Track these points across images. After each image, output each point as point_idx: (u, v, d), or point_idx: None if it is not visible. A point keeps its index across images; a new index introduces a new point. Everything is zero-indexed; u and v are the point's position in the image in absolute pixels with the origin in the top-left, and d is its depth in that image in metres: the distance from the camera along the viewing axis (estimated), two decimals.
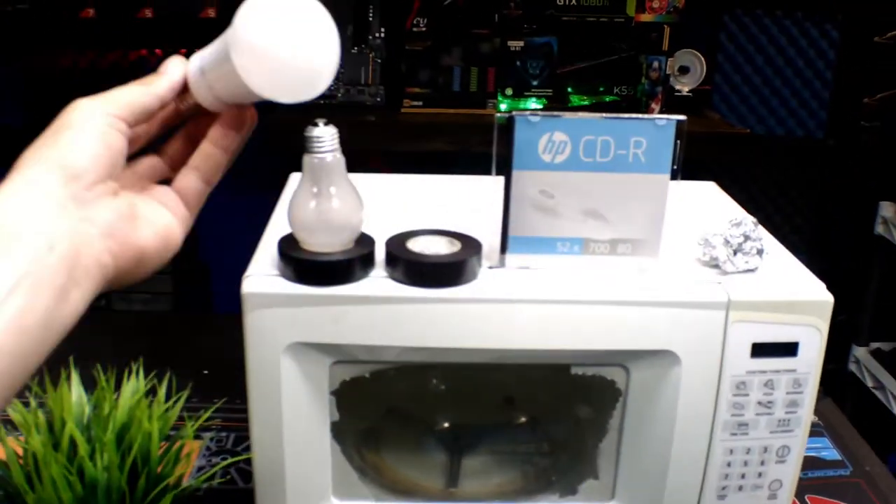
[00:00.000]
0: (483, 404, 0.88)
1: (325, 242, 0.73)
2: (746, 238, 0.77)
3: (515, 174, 0.73)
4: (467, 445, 0.89)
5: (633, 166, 0.74)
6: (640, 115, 0.73)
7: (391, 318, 0.73)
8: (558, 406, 0.85)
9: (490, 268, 0.76)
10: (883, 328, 2.31)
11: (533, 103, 2.33)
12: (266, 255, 0.77)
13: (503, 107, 2.30)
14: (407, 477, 0.88)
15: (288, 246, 0.74)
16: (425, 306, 0.73)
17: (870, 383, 2.23)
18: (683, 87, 2.35)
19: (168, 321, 1.77)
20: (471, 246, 0.76)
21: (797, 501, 0.97)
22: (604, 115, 0.73)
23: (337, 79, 2.18)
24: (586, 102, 2.34)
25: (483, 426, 0.90)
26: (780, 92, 2.53)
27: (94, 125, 0.56)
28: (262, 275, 0.74)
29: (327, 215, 0.72)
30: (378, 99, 2.32)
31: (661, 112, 2.36)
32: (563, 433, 0.86)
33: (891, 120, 2.37)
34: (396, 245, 0.75)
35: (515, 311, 0.73)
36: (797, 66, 2.49)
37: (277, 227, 0.81)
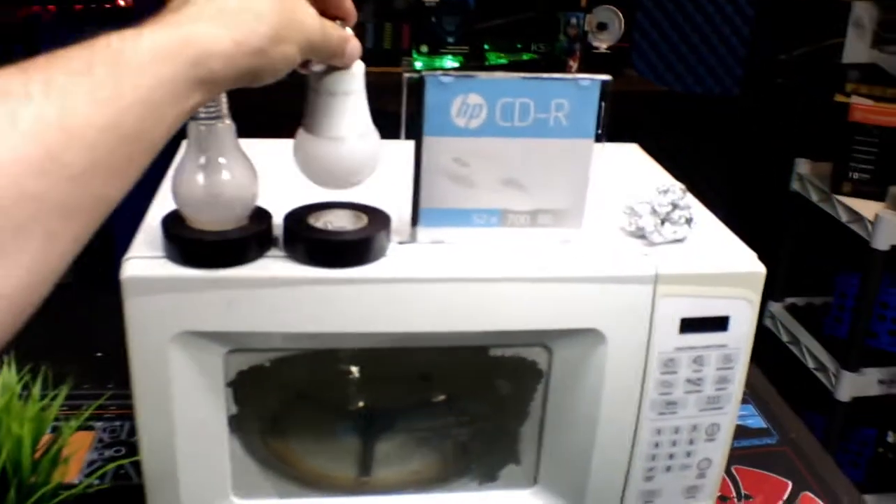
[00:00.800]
0: (397, 384, 0.82)
1: (214, 219, 0.65)
2: (674, 206, 0.73)
3: (427, 141, 0.67)
4: (381, 429, 0.83)
5: (554, 131, 0.68)
6: (561, 76, 0.67)
7: (291, 302, 0.66)
8: (476, 389, 0.79)
9: (400, 243, 0.69)
10: (798, 284, 2.33)
11: (449, 61, 2.25)
12: (149, 234, 0.69)
13: (418, 65, 2.22)
14: (317, 467, 0.82)
15: (173, 224, 0.66)
16: (329, 288, 0.66)
17: (785, 338, 2.25)
18: (602, 44, 2.31)
19: (62, 296, 1.66)
20: (378, 220, 0.69)
21: (724, 474, 0.94)
22: (522, 75, 0.66)
23: None
24: (503, 61, 2.28)
25: (398, 408, 0.84)
26: (698, 49, 2.51)
27: None
28: (144, 257, 0.66)
29: (217, 189, 0.64)
30: None
31: (578, 70, 2.31)
32: (483, 417, 0.81)
33: (806, 77, 2.37)
34: (296, 220, 0.68)
35: (427, 291, 0.67)
36: (715, 23, 2.47)
37: (163, 202, 0.73)
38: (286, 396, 0.80)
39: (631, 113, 2.15)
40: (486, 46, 2.31)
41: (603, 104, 0.68)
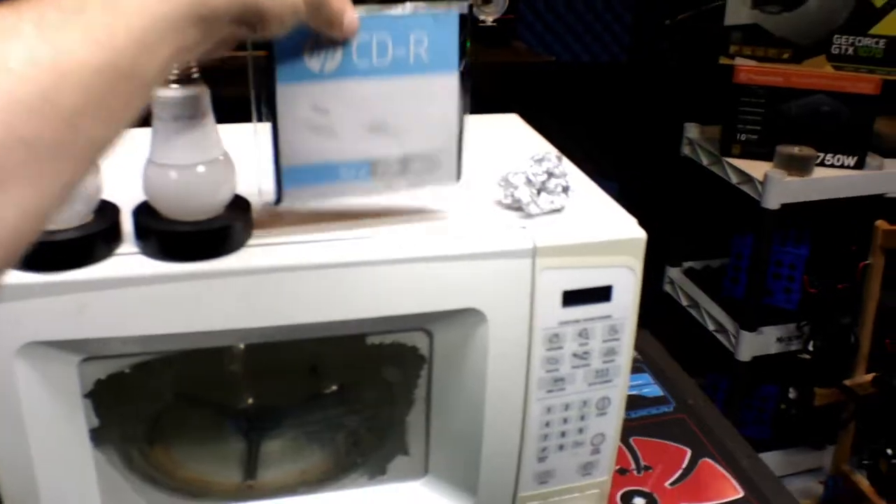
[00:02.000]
0: (281, 379, 0.78)
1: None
2: (550, 175, 0.70)
3: (280, 89, 0.61)
4: (266, 428, 0.79)
5: (415, 67, 0.63)
6: (417, 4, 0.62)
7: (147, 302, 0.61)
8: (361, 379, 0.76)
9: (267, 205, 0.64)
10: (694, 248, 2.35)
11: None
12: None
13: None
14: (197, 474, 0.77)
15: None
16: (187, 284, 0.61)
17: (684, 302, 2.27)
18: (487, 16, 2.28)
19: None
20: (238, 207, 0.64)
21: (622, 446, 0.93)
22: (374, 7, 0.61)
23: None
24: None
25: (283, 404, 0.80)
26: (583, 17, 2.50)
27: None
28: None
29: None
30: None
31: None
32: (369, 408, 0.77)
33: (691, 41, 2.39)
34: (146, 212, 0.63)
35: (293, 280, 0.63)
36: None
37: None
38: (157, 402, 0.74)
39: (519, 84, 2.14)
40: None
41: (464, 34, 0.64)
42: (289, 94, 0.61)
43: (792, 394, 2.04)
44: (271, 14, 0.51)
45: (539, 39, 2.52)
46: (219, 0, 0.46)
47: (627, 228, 0.70)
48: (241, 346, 0.72)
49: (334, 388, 0.77)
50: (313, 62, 0.60)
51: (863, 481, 1.92)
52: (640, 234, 0.69)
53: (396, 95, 0.64)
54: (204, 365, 0.73)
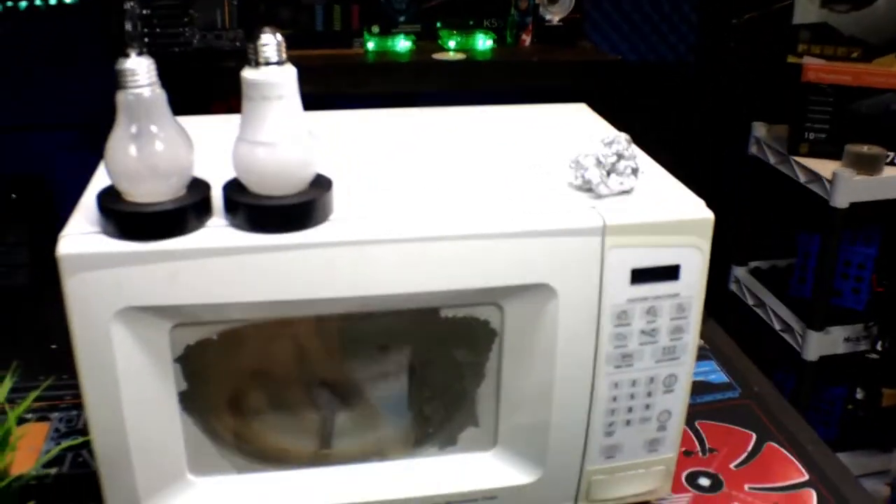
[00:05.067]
0: (354, 355, 0.80)
1: (151, 191, 0.64)
2: (620, 157, 0.72)
3: None
4: (340, 401, 0.82)
5: None
6: None
7: (235, 272, 0.65)
8: (432, 352, 0.78)
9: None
10: (761, 247, 2.34)
11: (402, 40, 2.23)
12: (87, 211, 0.67)
13: (370, 45, 2.20)
14: (275, 443, 0.80)
15: (109, 198, 0.64)
16: (272, 255, 0.65)
17: (751, 301, 2.26)
18: (554, 16, 2.30)
19: (20, 294, 1.64)
20: (320, 184, 0.67)
21: (688, 429, 0.94)
22: None
23: (191, 23, 2.04)
24: (456, 39, 2.26)
25: (356, 379, 0.83)
26: (650, 17, 2.50)
27: None
28: (80, 233, 0.64)
29: (151, 159, 0.63)
30: (238, 43, 2.18)
31: (531, 42, 2.31)
32: (440, 380, 0.80)
33: (758, 40, 2.37)
34: (235, 188, 0.66)
35: (373, 253, 0.66)
36: None
37: (101, 179, 0.71)
38: (240, 371, 0.78)
39: (587, 83, 2.15)
40: (438, 24, 2.29)
41: None
42: None
43: (859, 394, 2.01)
44: None
45: (606, 39, 2.52)
46: None
47: (695, 209, 0.71)
48: (316, 321, 0.75)
49: (409, 363, 0.80)
50: None
51: None
52: (708, 214, 0.71)
53: None
54: (280, 340, 0.77)
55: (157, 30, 2.02)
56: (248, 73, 0.63)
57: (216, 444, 0.74)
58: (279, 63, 0.63)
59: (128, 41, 2.01)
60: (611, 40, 2.52)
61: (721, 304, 2.30)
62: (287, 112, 0.63)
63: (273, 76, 0.63)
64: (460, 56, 2.21)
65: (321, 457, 0.79)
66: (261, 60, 0.63)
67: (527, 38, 2.30)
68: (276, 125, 0.63)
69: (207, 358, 0.70)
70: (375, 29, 2.22)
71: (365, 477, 0.78)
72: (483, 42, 2.28)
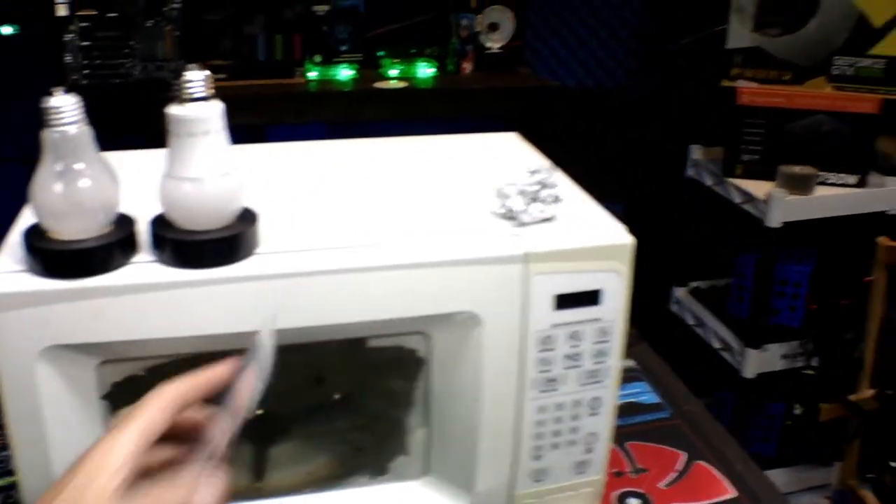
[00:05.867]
0: (284, 387, 0.81)
1: (76, 228, 0.64)
2: (543, 186, 0.74)
3: None
4: (273, 434, 0.82)
5: None
6: None
7: (161, 308, 0.65)
8: (361, 382, 0.79)
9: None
10: (699, 267, 2.39)
11: (344, 69, 2.25)
12: (13, 249, 0.67)
13: (312, 75, 2.22)
14: None
15: (35, 236, 0.64)
16: (199, 290, 0.65)
17: (690, 321, 2.30)
18: (494, 43, 2.34)
19: None
20: (246, 218, 0.68)
21: (618, 449, 0.96)
22: None
23: (132, 55, 2.03)
24: (398, 68, 2.28)
25: (287, 411, 0.84)
26: (588, 43, 2.55)
27: None
28: (6, 272, 0.64)
29: (75, 197, 0.63)
30: (178, 74, 2.18)
31: (472, 70, 2.34)
32: (370, 410, 0.81)
33: (694, 65, 2.43)
34: (162, 224, 0.67)
35: (299, 285, 0.67)
36: (603, 17, 2.52)
37: (28, 217, 0.71)
38: None
39: (526, 109, 2.19)
40: (380, 53, 2.31)
41: None
42: None
43: (797, 410, 2.06)
44: None
45: (545, 65, 2.57)
46: None
47: (615, 234, 0.74)
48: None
49: (339, 395, 0.81)
50: None
51: (869, 496, 1.93)
52: (627, 239, 0.73)
53: None
54: None
55: (98, 61, 2.02)
56: (173, 110, 0.63)
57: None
58: (205, 98, 0.64)
59: (68, 73, 2.00)
60: (550, 66, 2.57)
61: (662, 324, 2.34)
62: (213, 147, 0.64)
63: (199, 112, 0.63)
64: (402, 84, 2.24)
65: (254, 490, 0.80)
66: (186, 97, 0.64)
67: (468, 66, 2.34)
68: (201, 161, 0.64)
69: (136, 394, 0.70)
70: (318, 58, 2.23)
71: None
72: (424, 70, 2.31)
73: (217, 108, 0.64)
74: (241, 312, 0.66)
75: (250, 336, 0.68)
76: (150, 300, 0.65)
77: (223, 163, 0.65)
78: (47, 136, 0.62)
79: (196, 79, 0.63)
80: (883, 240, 1.88)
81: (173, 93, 0.64)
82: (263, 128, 2.08)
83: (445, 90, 2.27)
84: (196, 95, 0.64)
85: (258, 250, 0.68)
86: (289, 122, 2.09)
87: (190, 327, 0.66)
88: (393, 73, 2.28)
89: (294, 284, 0.67)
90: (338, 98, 2.18)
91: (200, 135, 0.63)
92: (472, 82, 2.30)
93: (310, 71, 2.21)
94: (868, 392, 1.92)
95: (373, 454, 0.79)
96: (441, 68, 2.34)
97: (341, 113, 2.15)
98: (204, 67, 0.65)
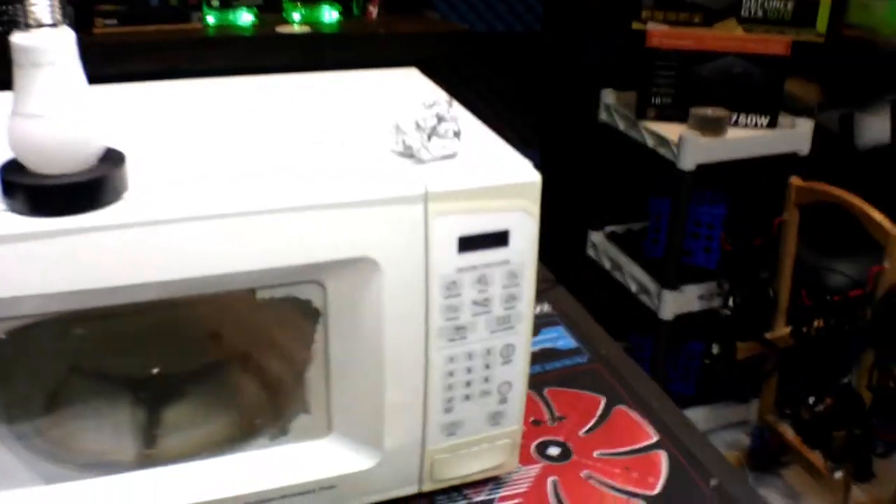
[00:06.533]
0: (170, 346, 0.75)
1: None
2: (441, 119, 0.68)
3: None
4: (166, 395, 0.76)
5: None
6: None
7: (17, 262, 0.58)
8: (253, 338, 0.73)
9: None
10: (615, 211, 2.37)
11: (244, 14, 2.14)
12: None
13: (210, 19, 2.10)
14: (94, 446, 0.74)
15: None
16: (58, 241, 0.58)
17: (607, 265, 2.29)
18: None
19: None
20: (110, 159, 0.61)
21: (536, 397, 0.92)
22: None
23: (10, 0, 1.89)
24: (301, 11, 2.19)
25: (179, 373, 0.77)
26: None
27: None
28: None
29: None
30: (66, 20, 2.05)
31: (379, 14, 2.26)
32: (264, 367, 0.75)
33: (605, 9, 2.39)
34: (14, 168, 0.59)
35: (175, 232, 0.60)
36: None
37: None
38: (46, 371, 0.71)
39: (433, 54, 2.12)
40: None
41: None
42: None
43: (715, 349, 2.07)
44: None
45: (454, 10, 2.50)
46: None
47: (522, 172, 0.69)
48: (139, 311, 0.69)
49: (232, 351, 0.75)
50: None
51: (787, 430, 1.96)
52: (535, 177, 0.68)
53: None
54: (97, 332, 0.70)
55: None
56: (16, 38, 0.56)
57: (23, 455, 0.67)
58: (52, 25, 0.56)
59: None
60: (459, 11, 2.50)
61: (579, 269, 2.33)
62: (61, 80, 0.57)
63: (43, 41, 0.56)
64: (305, 29, 2.14)
65: (145, 458, 0.73)
66: (31, 22, 0.56)
67: (374, 10, 2.25)
68: (48, 94, 0.56)
69: (1, 361, 0.63)
70: (215, 2, 2.12)
71: (193, 476, 0.73)
72: (329, 14, 2.22)
73: (66, 35, 0.57)
74: (109, 265, 0.59)
75: (122, 290, 0.62)
76: (4, 254, 0.57)
77: (74, 98, 0.58)
78: None
79: (40, 2, 0.56)
80: (795, 180, 1.89)
81: (16, 18, 0.56)
82: (158, 75, 1.96)
83: (350, 35, 2.19)
84: (42, 21, 0.56)
85: (126, 195, 0.61)
86: (184, 69, 1.98)
87: (50, 283, 0.59)
88: (296, 17, 2.18)
89: (169, 231, 0.60)
90: (237, 44, 2.08)
91: (46, 65, 0.56)
92: (378, 27, 2.22)
93: (207, 15, 2.10)
94: (784, 330, 1.93)
95: (272, 414, 0.74)
96: (346, 12, 2.25)
97: (241, 59, 2.05)
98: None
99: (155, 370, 0.75)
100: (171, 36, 2.02)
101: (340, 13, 2.24)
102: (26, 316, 0.62)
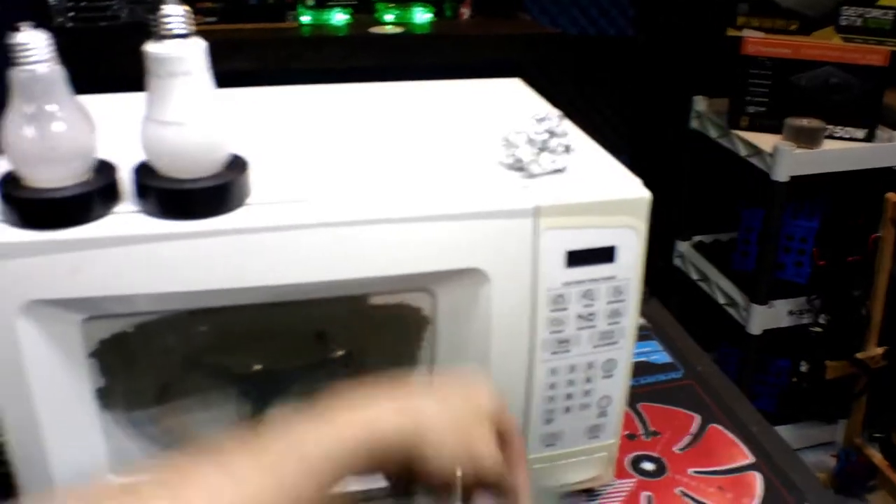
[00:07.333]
0: (283, 344, 0.77)
1: (52, 175, 0.59)
2: (552, 134, 0.69)
3: None
4: (271, 393, 0.78)
5: None
6: None
7: (145, 262, 0.60)
8: (363, 341, 0.75)
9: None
10: (703, 221, 2.34)
11: (338, 14, 2.18)
12: None
13: (305, 19, 2.14)
14: (204, 437, 0.76)
15: (10, 185, 0.60)
16: (186, 243, 0.61)
17: (694, 276, 2.26)
18: None
19: None
20: (235, 165, 0.63)
21: (630, 411, 0.92)
22: None
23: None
24: (394, 12, 2.21)
25: (287, 370, 0.80)
26: None
27: None
28: None
29: (49, 141, 0.58)
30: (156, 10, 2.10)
31: (470, 16, 2.27)
32: (372, 369, 0.77)
33: (699, 14, 2.36)
34: (146, 172, 0.62)
35: (295, 239, 0.62)
36: None
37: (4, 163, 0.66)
38: (164, 364, 0.74)
39: (526, 56, 2.12)
40: None
41: None
42: None
43: (803, 367, 2.03)
44: (432, 463, 0.54)
45: (545, 12, 2.49)
46: (390, 441, 0.53)
47: (631, 188, 0.69)
48: (248, 310, 0.71)
49: (340, 352, 0.77)
50: None
51: (875, 454, 1.91)
52: (644, 193, 0.68)
53: None
54: (210, 328, 0.73)
55: (84, 3, 1.94)
56: (151, 48, 0.58)
57: (141, 442, 0.70)
58: (184, 36, 0.58)
59: (53, 15, 1.93)
60: (550, 14, 2.49)
61: (665, 279, 2.30)
62: (195, 89, 0.59)
63: (178, 50, 0.58)
64: (398, 29, 2.16)
65: None
66: (164, 33, 0.58)
67: (465, 11, 2.26)
68: (183, 103, 0.59)
69: (125, 352, 0.66)
70: (310, 2, 2.16)
71: None
72: (421, 15, 2.24)
73: (199, 46, 0.59)
74: (232, 267, 0.62)
75: (241, 292, 0.64)
76: (134, 253, 0.60)
77: (207, 106, 0.60)
78: (15, 75, 0.57)
79: (174, 13, 0.58)
80: (891, 195, 1.84)
81: (151, 30, 0.59)
82: (253, 74, 2.01)
83: (442, 36, 2.20)
84: (175, 32, 0.58)
85: (249, 200, 0.63)
86: (279, 68, 2.02)
87: (177, 282, 0.61)
88: (388, 18, 2.20)
89: (288, 238, 0.62)
90: (331, 43, 2.11)
91: (181, 75, 0.58)
92: (470, 28, 2.23)
93: (302, 15, 2.14)
94: (876, 350, 1.88)
95: None
96: (438, 13, 2.26)
97: (335, 59, 2.08)
98: (188, 7, 0.60)
99: (261, 366, 0.78)
100: (267, 35, 2.06)
101: (433, 14, 2.25)
102: (152, 312, 0.65)
